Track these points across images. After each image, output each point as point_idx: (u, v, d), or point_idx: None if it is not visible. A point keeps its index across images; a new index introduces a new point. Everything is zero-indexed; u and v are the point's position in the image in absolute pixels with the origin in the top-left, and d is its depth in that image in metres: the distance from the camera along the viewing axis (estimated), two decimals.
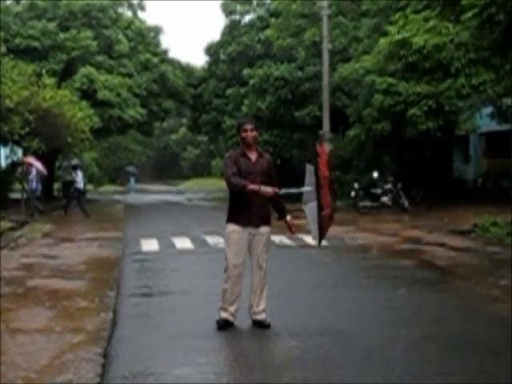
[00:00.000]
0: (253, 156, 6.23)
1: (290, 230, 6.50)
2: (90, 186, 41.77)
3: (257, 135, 6.27)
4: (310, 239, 13.18)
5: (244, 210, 6.14)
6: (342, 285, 8.60)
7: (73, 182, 21.44)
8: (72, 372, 4.79)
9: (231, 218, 6.22)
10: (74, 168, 21.88)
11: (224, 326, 6.14)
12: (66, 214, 20.66)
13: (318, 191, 5.88)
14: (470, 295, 7.78)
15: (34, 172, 20.57)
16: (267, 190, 5.96)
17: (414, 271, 9.60)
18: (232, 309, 6.17)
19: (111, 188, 51.00)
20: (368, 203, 20.36)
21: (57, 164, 33.15)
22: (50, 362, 5.04)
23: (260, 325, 6.15)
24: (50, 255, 11.37)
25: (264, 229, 6.21)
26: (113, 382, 4.74)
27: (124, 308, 7.15)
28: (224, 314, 6.17)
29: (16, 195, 23.95)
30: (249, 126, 6.23)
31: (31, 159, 21.02)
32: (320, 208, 5.88)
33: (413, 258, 10.83)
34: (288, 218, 6.39)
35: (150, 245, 12.90)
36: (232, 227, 6.19)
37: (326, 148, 6.43)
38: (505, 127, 22.34)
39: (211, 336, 5.95)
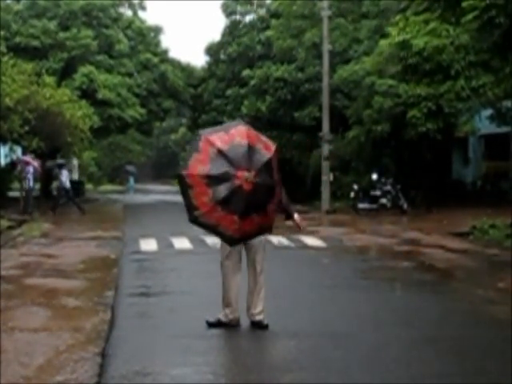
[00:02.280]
0: None
1: (298, 226, 6.57)
2: (89, 186, 41.72)
3: None
4: (309, 240, 13.23)
5: None
6: (340, 286, 8.59)
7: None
8: (70, 371, 4.79)
9: None
10: (59, 167, 21.79)
11: (213, 325, 6.14)
12: (55, 214, 20.55)
13: (186, 191, 5.53)
14: (468, 297, 7.78)
15: (31, 170, 20.56)
16: None
17: (412, 273, 9.60)
18: (227, 310, 6.17)
19: (110, 187, 50.96)
20: (367, 205, 20.35)
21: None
22: (48, 362, 5.03)
23: (258, 326, 6.14)
24: (49, 254, 11.36)
25: None
26: (111, 381, 4.73)
27: (122, 308, 7.14)
28: (219, 314, 6.19)
29: (15, 194, 23.94)
30: None
31: (28, 158, 21.05)
32: (192, 208, 5.52)
33: (411, 259, 10.83)
34: (295, 215, 6.46)
35: (149, 244, 12.88)
36: None
37: (218, 142, 5.50)
38: (504, 129, 22.33)
39: (209, 336, 5.95)
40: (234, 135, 5.56)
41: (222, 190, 5.39)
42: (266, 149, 5.63)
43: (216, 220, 5.49)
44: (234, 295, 6.17)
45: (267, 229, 5.88)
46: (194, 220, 5.59)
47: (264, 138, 5.82)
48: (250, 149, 5.49)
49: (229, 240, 5.80)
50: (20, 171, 21.71)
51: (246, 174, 5.40)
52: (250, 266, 6.24)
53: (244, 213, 5.46)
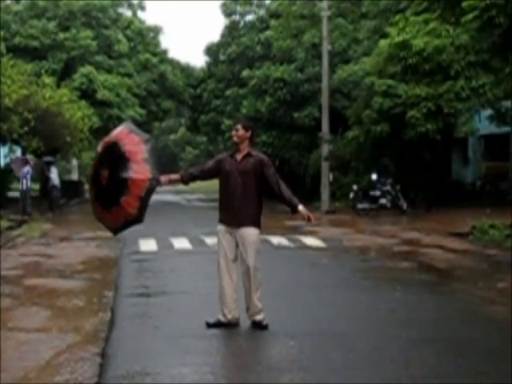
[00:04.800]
0: (239, 156, 6.21)
1: (307, 219, 6.22)
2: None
3: (244, 134, 6.19)
4: (308, 240, 13.24)
5: (225, 209, 6.20)
6: (340, 286, 8.59)
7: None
8: (70, 372, 4.79)
9: (219, 217, 6.28)
10: (48, 165, 21.60)
11: (213, 325, 6.13)
12: (54, 214, 20.53)
13: (92, 190, 6.22)
14: (467, 297, 7.78)
15: (30, 171, 20.54)
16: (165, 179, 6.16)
17: (412, 273, 9.60)
18: (225, 310, 6.16)
19: None
20: (367, 205, 20.34)
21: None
22: (48, 362, 5.03)
23: (258, 326, 6.13)
24: (49, 254, 11.37)
25: (245, 230, 6.12)
26: (110, 381, 4.73)
27: (122, 308, 7.14)
28: (218, 314, 6.18)
29: (15, 194, 23.93)
30: (235, 126, 6.29)
31: (28, 157, 21.05)
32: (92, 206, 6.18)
33: (411, 259, 10.83)
34: (300, 207, 6.16)
35: (149, 245, 12.88)
36: (219, 226, 6.24)
37: (99, 147, 6.14)
38: (504, 130, 22.36)
39: (209, 336, 5.95)
40: (111, 137, 6.07)
41: (95, 188, 6.06)
42: (127, 143, 5.87)
43: (100, 215, 6.10)
44: (231, 295, 6.15)
45: (134, 220, 5.91)
46: (95, 216, 6.23)
47: (134, 133, 6.00)
48: (111, 147, 5.93)
49: (110, 230, 6.26)
50: (15, 170, 21.62)
51: (105, 171, 5.85)
52: (244, 267, 6.19)
53: (106, 207, 5.97)
